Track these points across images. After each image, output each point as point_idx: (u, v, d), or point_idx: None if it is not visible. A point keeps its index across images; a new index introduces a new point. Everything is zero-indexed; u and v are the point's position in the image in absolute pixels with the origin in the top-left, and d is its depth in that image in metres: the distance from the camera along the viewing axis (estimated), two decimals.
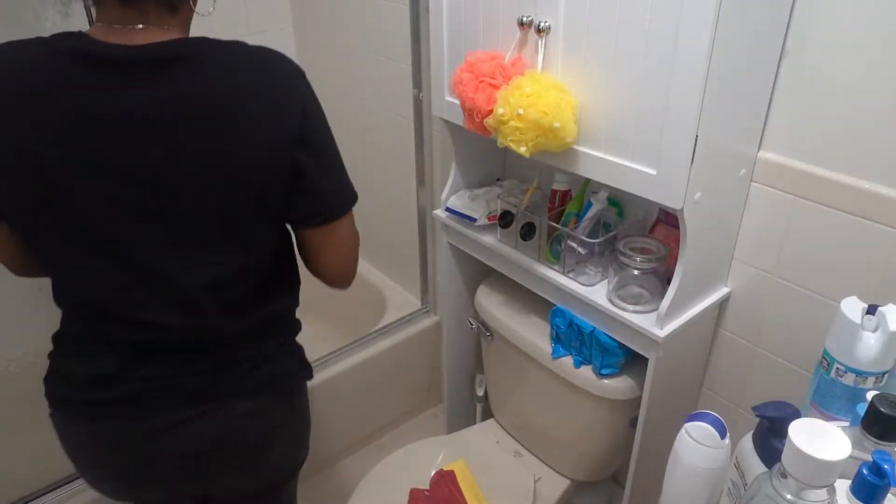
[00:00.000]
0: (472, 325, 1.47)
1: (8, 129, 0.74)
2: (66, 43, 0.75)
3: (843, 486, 0.55)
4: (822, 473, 0.52)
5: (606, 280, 1.14)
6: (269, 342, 0.95)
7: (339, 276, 0.96)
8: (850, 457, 0.52)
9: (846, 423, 0.71)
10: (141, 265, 0.81)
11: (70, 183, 0.76)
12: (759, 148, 1.04)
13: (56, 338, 0.92)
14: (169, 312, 0.84)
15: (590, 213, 1.16)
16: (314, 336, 2.14)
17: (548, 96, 0.95)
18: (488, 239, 1.30)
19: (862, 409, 0.62)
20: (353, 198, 0.91)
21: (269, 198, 0.83)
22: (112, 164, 0.76)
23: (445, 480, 1.34)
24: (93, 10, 0.79)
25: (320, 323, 2.26)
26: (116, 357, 0.86)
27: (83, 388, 0.87)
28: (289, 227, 0.91)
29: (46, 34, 0.76)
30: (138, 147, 0.75)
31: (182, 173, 0.77)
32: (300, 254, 0.95)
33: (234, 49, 0.79)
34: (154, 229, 0.79)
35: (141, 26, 0.76)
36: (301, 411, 1.06)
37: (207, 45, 0.78)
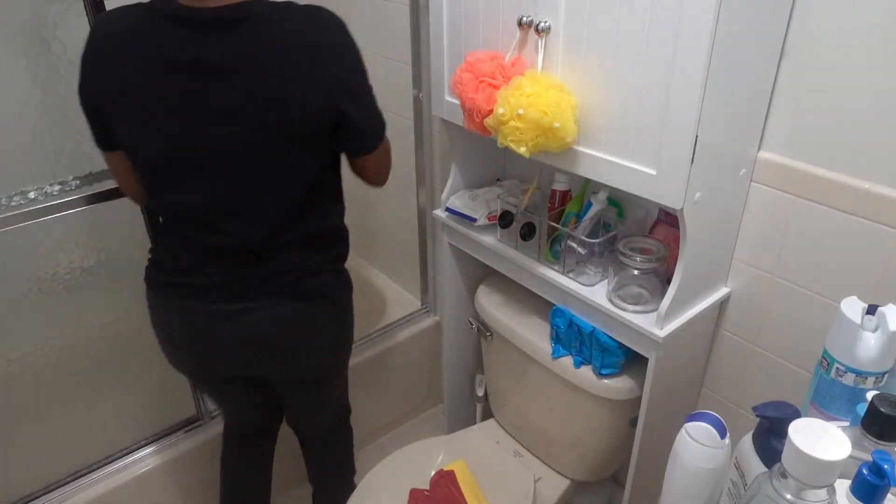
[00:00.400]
0: (472, 325, 1.47)
1: (119, 75, 0.95)
2: (159, 6, 0.94)
3: (843, 486, 0.55)
4: (822, 473, 0.52)
5: (606, 280, 1.14)
6: (315, 258, 1.14)
7: (378, 179, 1.20)
8: (850, 457, 0.52)
9: (846, 423, 0.71)
10: (215, 186, 1.01)
11: (165, 118, 0.96)
12: (759, 148, 1.04)
13: (153, 239, 1.18)
14: (234, 223, 1.04)
15: (590, 213, 1.16)
16: None
17: (548, 96, 0.95)
18: (488, 239, 1.30)
19: (862, 409, 0.62)
20: (384, 126, 1.12)
21: (317, 136, 1.01)
22: (196, 103, 0.95)
23: (445, 480, 1.34)
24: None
25: None
26: (192, 255, 1.08)
27: (169, 274, 1.11)
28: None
29: None
30: (219, 90, 0.94)
31: (249, 113, 0.96)
32: (349, 166, 1.15)
33: (288, 8, 0.97)
34: (227, 158, 0.99)
35: None
36: (341, 320, 1.25)
37: (267, 6, 0.95)
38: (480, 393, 1.62)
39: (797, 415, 0.65)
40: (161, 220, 1.15)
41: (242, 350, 1.15)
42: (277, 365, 1.21)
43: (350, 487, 1.47)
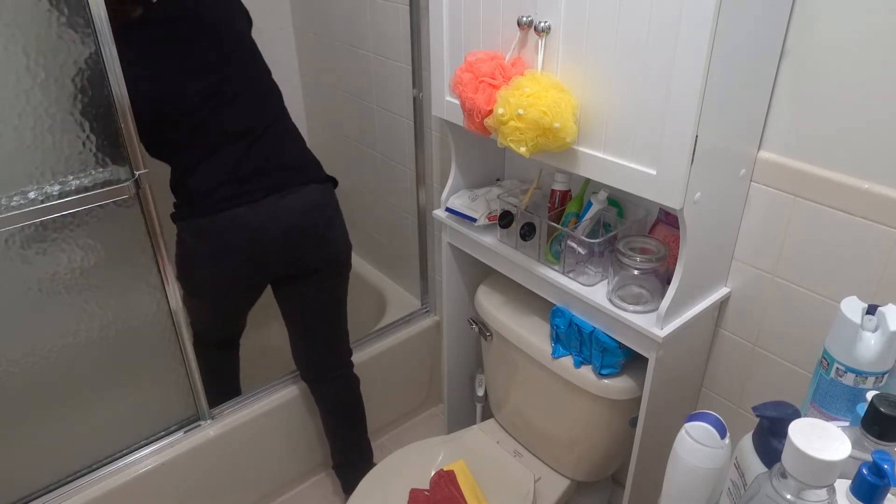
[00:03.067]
0: (472, 325, 1.47)
1: None
2: None
3: (843, 486, 0.55)
4: (822, 473, 0.52)
5: (606, 280, 1.14)
6: (298, 147, 1.45)
7: None
8: (850, 457, 0.52)
9: (846, 423, 0.71)
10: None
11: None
12: (759, 148, 1.04)
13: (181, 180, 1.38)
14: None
15: (590, 213, 1.16)
16: None
17: (548, 96, 0.94)
18: (488, 239, 1.30)
19: (862, 409, 0.62)
20: None
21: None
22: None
23: (445, 480, 1.34)
24: None
25: None
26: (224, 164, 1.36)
27: (213, 191, 1.34)
28: None
29: None
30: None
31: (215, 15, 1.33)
32: None
33: None
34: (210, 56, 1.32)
35: None
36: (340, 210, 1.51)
37: None
38: (480, 393, 1.62)
39: (797, 415, 0.65)
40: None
41: (291, 236, 1.38)
42: (317, 247, 1.44)
43: (367, 443, 1.70)
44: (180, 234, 1.40)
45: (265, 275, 1.49)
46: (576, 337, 1.18)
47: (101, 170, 1.23)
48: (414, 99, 1.68)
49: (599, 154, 0.99)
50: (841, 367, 0.72)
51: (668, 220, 1.16)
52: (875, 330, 0.71)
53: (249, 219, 1.35)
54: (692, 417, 0.68)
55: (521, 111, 0.94)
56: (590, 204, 1.16)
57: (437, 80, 1.24)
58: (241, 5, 1.41)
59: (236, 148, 1.34)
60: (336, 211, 1.49)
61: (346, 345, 1.65)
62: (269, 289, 1.57)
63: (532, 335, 1.29)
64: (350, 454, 1.70)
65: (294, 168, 1.41)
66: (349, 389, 1.66)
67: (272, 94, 1.43)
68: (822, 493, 0.53)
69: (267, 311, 1.71)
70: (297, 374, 1.70)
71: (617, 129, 0.95)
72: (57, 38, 1.12)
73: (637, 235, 1.15)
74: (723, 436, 0.67)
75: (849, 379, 0.72)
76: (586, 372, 1.20)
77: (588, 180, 1.18)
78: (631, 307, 1.08)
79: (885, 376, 0.72)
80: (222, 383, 1.71)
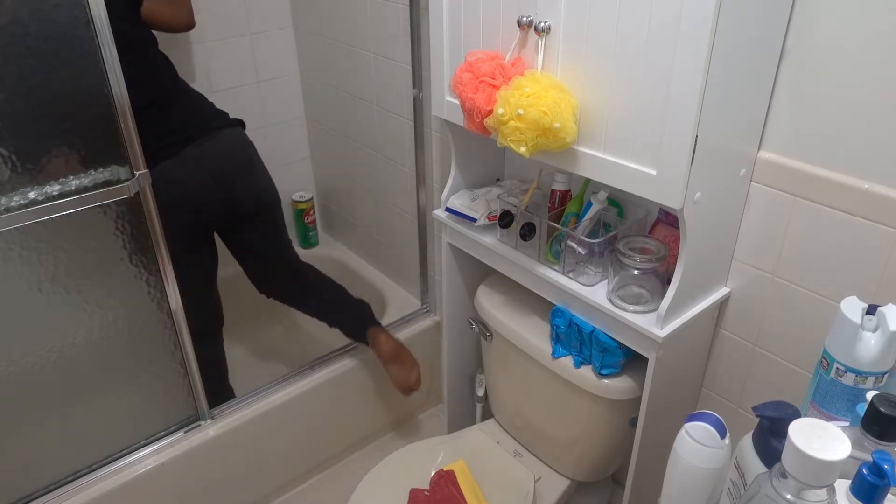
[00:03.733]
0: (472, 325, 1.47)
1: None
2: None
3: (843, 486, 0.55)
4: (822, 473, 0.52)
5: (606, 280, 1.14)
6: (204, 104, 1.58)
7: (176, 16, 1.51)
8: (850, 457, 0.52)
9: (846, 423, 0.71)
10: None
11: None
12: (759, 148, 1.04)
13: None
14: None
15: (590, 213, 1.16)
16: (314, 336, 2.15)
17: (548, 96, 0.94)
18: (488, 239, 1.30)
19: (862, 409, 0.62)
20: None
21: None
22: None
23: (445, 480, 1.34)
24: None
25: (321, 322, 2.26)
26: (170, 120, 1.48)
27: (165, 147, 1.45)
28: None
29: None
30: None
31: None
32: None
33: None
34: None
35: None
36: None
37: None
38: (480, 393, 1.62)
39: (797, 415, 0.65)
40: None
41: (223, 178, 1.51)
42: (245, 184, 1.55)
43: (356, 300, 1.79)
44: None
45: (207, 222, 1.58)
46: (576, 337, 1.18)
47: (101, 170, 1.23)
48: (414, 99, 1.68)
49: (599, 154, 0.99)
50: (841, 367, 0.72)
51: (668, 220, 1.16)
52: (875, 330, 0.71)
53: (175, 170, 1.44)
54: (692, 417, 0.68)
55: (521, 111, 0.94)
56: (590, 204, 1.16)
57: (437, 80, 1.24)
58: None
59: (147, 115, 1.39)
60: (254, 150, 1.60)
61: (293, 255, 1.76)
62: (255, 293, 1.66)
63: (532, 335, 1.29)
64: (348, 310, 1.80)
65: (205, 118, 1.54)
66: (307, 276, 1.78)
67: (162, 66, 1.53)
68: (822, 493, 0.53)
69: (267, 312, 1.71)
70: (297, 374, 1.71)
71: (617, 129, 0.95)
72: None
73: (637, 235, 1.15)
74: (723, 436, 0.67)
75: (849, 379, 0.72)
76: (586, 372, 1.20)
77: (588, 180, 1.18)
78: (631, 307, 1.08)
79: (885, 376, 0.72)
80: (211, 382, 1.69)
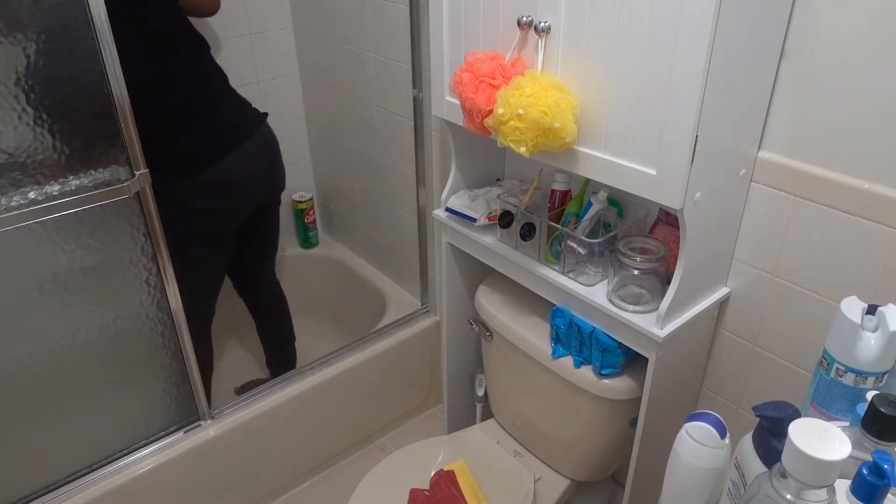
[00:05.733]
0: (472, 325, 1.47)
1: None
2: None
3: (843, 486, 0.55)
4: (822, 473, 0.52)
5: (606, 280, 1.14)
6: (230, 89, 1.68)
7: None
8: (850, 457, 0.52)
9: (846, 423, 0.71)
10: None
11: None
12: (759, 148, 1.04)
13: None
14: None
15: (590, 213, 1.16)
16: (314, 336, 2.15)
17: (548, 96, 0.94)
18: (488, 239, 1.30)
19: (862, 409, 0.62)
20: None
21: None
22: None
23: (445, 480, 1.34)
24: None
25: (320, 323, 2.26)
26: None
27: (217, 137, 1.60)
28: None
29: None
30: None
31: None
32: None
33: None
34: None
35: None
36: None
37: None
38: (480, 393, 1.62)
39: (797, 415, 0.65)
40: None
41: (266, 169, 1.70)
42: (276, 175, 1.74)
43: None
44: (180, 197, 1.54)
45: (259, 205, 1.73)
46: (576, 337, 1.18)
47: (101, 170, 1.23)
48: (414, 99, 1.68)
49: (599, 154, 0.99)
50: (841, 367, 0.72)
51: (668, 220, 1.16)
52: (875, 330, 0.71)
53: (242, 161, 1.60)
54: (692, 417, 0.68)
55: (521, 111, 0.94)
56: (590, 204, 1.16)
57: (437, 80, 1.23)
58: None
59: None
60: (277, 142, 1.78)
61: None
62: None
63: (532, 335, 1.29)
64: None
65: (250, 114, 1.69)
66: (278, 294, 1.97)
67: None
68: (822, 493, 0.53)
69: None
70: (297, 374, 1.71)
71: (617, 128, 0.95)
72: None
73: (637, 235, 1.15)
74: (723, 436, 0.67)
75: (849, 379, 0.72)
76: (586, 372, 1.20)
77: (588, 180, 1.18)
78: (631, 307, 1.08)
79: (885, 376, 0.72)
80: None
